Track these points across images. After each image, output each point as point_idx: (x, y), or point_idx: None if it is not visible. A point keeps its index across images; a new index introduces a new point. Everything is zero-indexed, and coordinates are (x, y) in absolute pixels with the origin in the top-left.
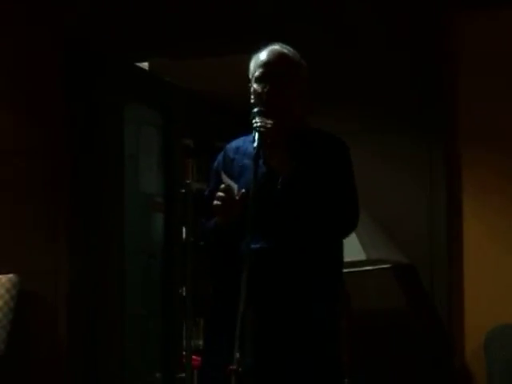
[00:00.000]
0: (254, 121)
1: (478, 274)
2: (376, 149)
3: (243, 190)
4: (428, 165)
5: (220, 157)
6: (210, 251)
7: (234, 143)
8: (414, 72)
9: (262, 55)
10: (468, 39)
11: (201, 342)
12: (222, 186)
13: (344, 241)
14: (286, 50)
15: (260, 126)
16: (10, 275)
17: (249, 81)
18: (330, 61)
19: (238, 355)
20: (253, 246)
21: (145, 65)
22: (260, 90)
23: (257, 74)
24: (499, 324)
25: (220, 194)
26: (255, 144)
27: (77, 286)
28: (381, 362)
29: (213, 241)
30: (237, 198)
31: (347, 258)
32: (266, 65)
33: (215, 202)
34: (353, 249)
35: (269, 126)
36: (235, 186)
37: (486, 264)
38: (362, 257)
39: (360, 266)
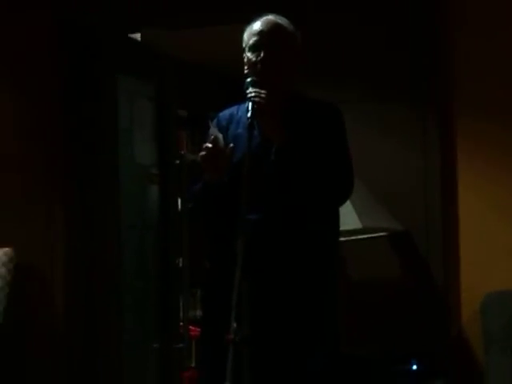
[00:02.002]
0: (247, 91)
1: (474, 240)
2: (371, 117)
3: (232, 145)
4: (422, 133)
5: (213, 123)
6: (198, 213)
7: (228, 111)
8: (410, 41)
9: (256, 24)
10: (466, 9)
11: (198, 313)
12: (210, 137)
13: (340, 210)
14: (279, 20)
15: (254, 96)
16: (6, 249)
17: (243, 51)
18: (327, 31)
19: (234, 325)
20: (249, 216)
21: (137, 36)
22: (253, 59)
23: (250, 42)
24: (495, 290)
25: (206, 144)
26: (249, 114)
27: (73, 259)
28: (378, 329)
29: (201, 200)
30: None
31: (343, 227)
32: (259, 34)
33: (201, 153)
34: (348, 218)
35: (263, 95)
36: (221, 137)
37: (482, 230)
38: (358, 225)
39: (356, 235)
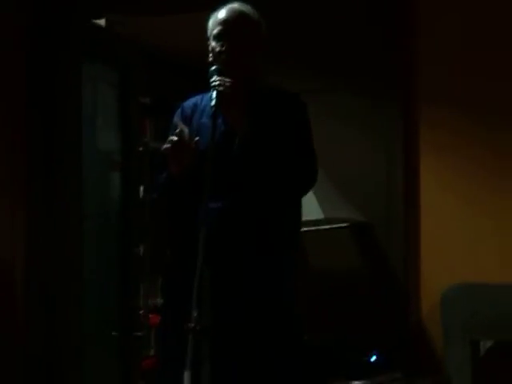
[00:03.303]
0: (212, 79)
1: (435, 233)
2: (334, 108)
3: (197, 138)
4: (385, 123)
5: (178, 113)
6: (162, 204)
7: (192, 100)
8: (371, 31)
9: (221, 13)
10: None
11: (159, 301)
12: (176, 131)
13: (302, 200)
14: (244, 9)
15: (218, 85)
16: None
17: (207, 39)
18: (290, 19)
19: (195, 313)
20: (212, 205)
21: (102, 22)
22: (218, 48)
23: (215, 31)
24: (456, 282)
25: (171, 137)
26: (213, 102)
27: (34, 248)
28: (337, 319)
29: (165, 192)
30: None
31: (305, 217)
32: (224, 23)
33: (165, 145)
34: (311, 208)
35: (227, 84)
36: (186, 130)
37: (443, 223)
38: (320, 215)
39: (318, 225)
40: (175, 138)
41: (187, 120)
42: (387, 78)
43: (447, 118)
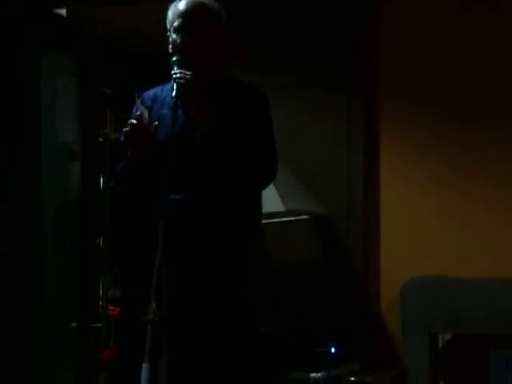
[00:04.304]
0: (172, 71)
1: (395, 227)
2: (296, 102)
3: (156, 123)
4: (347, 117)
5: (137, 102)
6: (120, 191)
7: (152, 91)
8: (334, 26)
9: (181, 4)
10: None
11: (118, 292)
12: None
13: (263, 192)
14: (205, 0)
15: (179, 78)
16: None
17: (167, 30)
18: (252, 14)
19: (154, 305)
20: (173, 196)
21: (63, 12)
22: (179, 41)
23: (175, 24)
24: (414, 275)
25: (131, 120)
26: (174, 93)
27: None
28: (297, 311)
29: (123, 179)
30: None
31: (266, 209)
32: (184, 15)
33: (125, 129)
34: (271, 200)
35: (188, 77)
36: (146, 115)
37: (403, 216)
38: (281, 208)
39: (278, 217)
40: (135, 122)
41: (147, 110)
42: (349, 73)
43: (407, 113)
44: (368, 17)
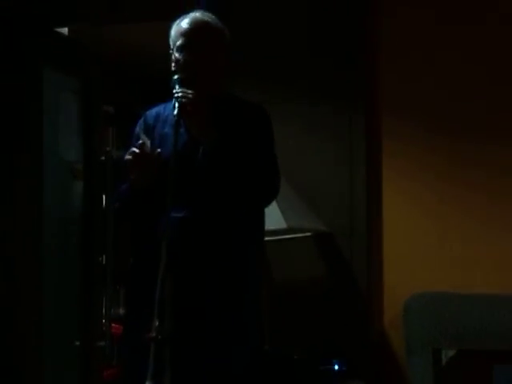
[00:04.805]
0: (174, 90)
1: (397, 244)
2: (297, 118)
3: (159, 150)
4: (348, 135)
5: (140, 122)
6: (123, 214)
7: (154, 110)
8: (335, 43)
9: (184, 23)
10: (392, 11)
11: (121, 311)
12: (138, 142)
13: (265, 209)
14: (207, 18)
15: (181, 97)
16: None
17: (170, 49)
18: (254, 31)
19: (156, 323)
20: (175, 214)
21: (64, 30)
22: (182, 60)
23: (178, 43)
24: (419, 291)
25: (133, 149)
26: (175, 112)
27: None
28: (300, 329)
29: (127, 202)
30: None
31: (268, 227)
32: (187, 34)
33: (127, 157)
34: (273, 217)
35: (190, 96)
36: (148, 143)
37: (406, 232)
38: (283, 225)
39: (280, 235)
40: (137, 150)
41: (150, 129)
42: (351, 90)
43: (408, 129)
44: (368, 32)
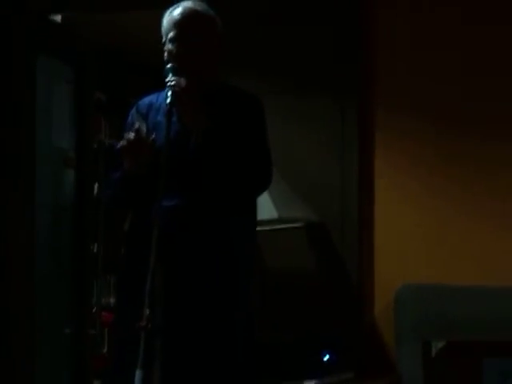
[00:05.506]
0: (167, 78)
1: (389, 235)
2: (290, 109)
3: (154, 136)
4: (341, 125)
5: (133, 112)
6: (115, 202)
7: (147, 99)
8: (330, 35)
9: (176, 13)
10: (388, 5)
11: (112, 299)
12: (135, 127)
13: (257, 199)
14: (199, 8)
15: (174, 85)
16: None
17: (163, 39)
18: (248, 22)
19: (147, 312)
20: (167, 203)
21: (58, 18)
22: (175, 51)
23: (171, 34)
24: (408, 283)
25: (130, 134)
26: (168, 100)
27: None
28: (291, 318)
29: (119, 189)
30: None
31: (260, 216)
32: (179, 25)
33: (121, 143)
34: (265, 207)
35: (182, 84)
36: (144, 128)
37: (397, 224)
38: (274, 215)
39: (272, 225)
40: (132, 135)
41: (143, 118)
42: (345, 83)
43: (401, 121)
44: (364, 26)
